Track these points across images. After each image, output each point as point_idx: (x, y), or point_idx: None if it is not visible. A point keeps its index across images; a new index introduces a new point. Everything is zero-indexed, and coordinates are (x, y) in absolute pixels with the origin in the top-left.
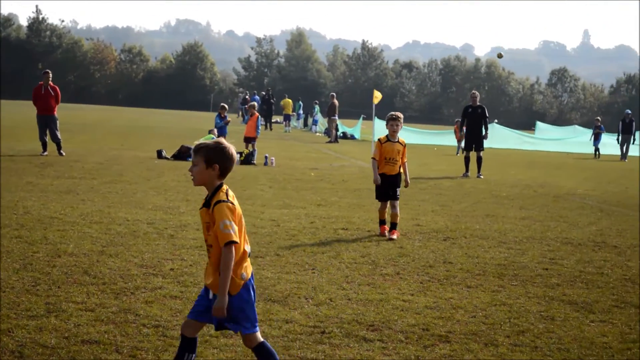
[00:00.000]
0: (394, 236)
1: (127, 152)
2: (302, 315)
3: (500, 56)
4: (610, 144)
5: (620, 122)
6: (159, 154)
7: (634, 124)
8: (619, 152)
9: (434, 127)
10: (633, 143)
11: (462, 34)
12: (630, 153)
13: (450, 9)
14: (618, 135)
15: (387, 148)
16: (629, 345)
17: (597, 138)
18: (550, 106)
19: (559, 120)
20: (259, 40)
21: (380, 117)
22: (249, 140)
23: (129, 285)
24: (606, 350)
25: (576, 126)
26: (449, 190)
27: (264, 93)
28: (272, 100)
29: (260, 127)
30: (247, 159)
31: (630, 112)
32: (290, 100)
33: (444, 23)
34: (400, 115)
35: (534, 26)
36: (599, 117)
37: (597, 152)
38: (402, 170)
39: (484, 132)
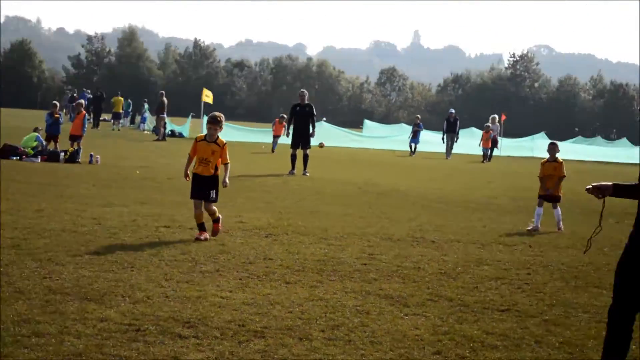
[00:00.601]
0: (218, 229)
1: None
2: (117, 314)
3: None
4: (433, 141)
5: (445, 121)
6: None
7: (458, 122)
8: (442, 150)
9: (264, 125)
10: (456, 141)
11: (294, 33)
12: (454, 151)
13: (283, 8)
14: (443, 134)
15: (201, 147)
16: (439, 337)
17: (415, 136)
18: (378, 105)
19: (387, 118)
20: (89, 38)
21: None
22: (74, 138)
23: None
24: (417, 342)
25: (403, 124)
26: (275, 188)
27: (91, 91)
28: (103, 98)
29: (87, 125)
30: (72, 157)
31: (454, 111)
32: (121, 99)
33: (276, 22)
34: (220, 117)
35: (366, 26)
36: (418, 115)
37: (413, 150)
38: (219, 171)
39: (311, 130)
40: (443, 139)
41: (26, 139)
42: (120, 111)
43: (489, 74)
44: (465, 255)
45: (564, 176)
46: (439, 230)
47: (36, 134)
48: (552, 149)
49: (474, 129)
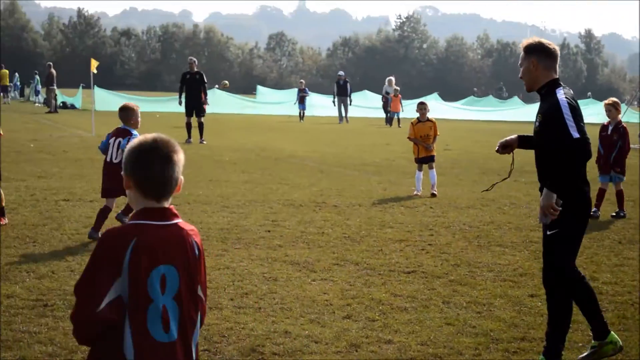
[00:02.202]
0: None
1: None
2: (23, 289)
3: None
4: (325, 105)
5: (335, 84)
6: None
7: (348, 85)
8: (335, 114)
9: (155, 94)
10: (350, 104)
11: (179, 1)
12: (349, 114)
13: None
14: (334, 98)
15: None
16: (348, 301)
17: (302, 101)
18: (270, 70)
19: (280, 84)
20: None
21: (100, 86)
22: None
23: None
24: (327, 307)
25: (296, 89)
26: None
27: None
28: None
29: None
30: None
31: (343, 73)
32: (7, 71)
33: None
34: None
35: None
36: (302, 80)
37: (302, 115)
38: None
39: (203, 98)
40: (334, 102)
41: None
42: (7, 84)
43: (377, 36)
44: (367, 219)
45: (438, 134)
46: (340, 194)
47: None
48: (424, 108)
49: (367, 91)
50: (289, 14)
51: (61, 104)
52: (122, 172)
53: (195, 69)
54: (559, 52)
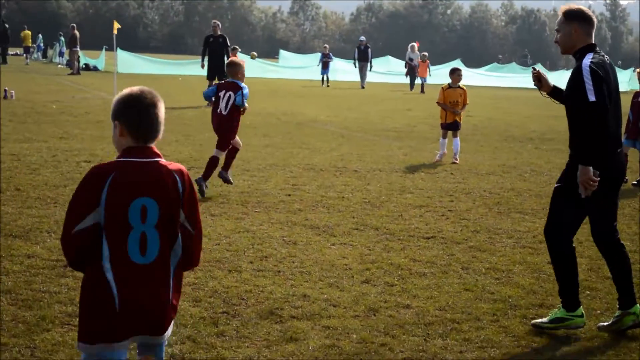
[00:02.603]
0: None
1: None
2: (44, 250)
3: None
4: (347, 70)
5: (356, 50)
6: None
7: (369, 50)
8: (356, 79)
9: (178, 57)
10: (370, 70)
11: None
12: (368, 79)
13: None
14: (355, 62)
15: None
16: (367, 265)
17: (325, 66)
18: (293, 34)
19: (303, 48)
20: None
21: (123, 48)
22: None
23: None
24: (346, 272)
25: (318, 54)
26: (193, 121)
27: None
28: (7, 32)
29: None
30: None
31: (364, 39)
32: (29, 32)
33: None
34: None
35: None
36: (326, 45)
37: (326, 81)
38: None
39: (226, 61)
40: (355, 65)
41: None
42: (30, 45)
43: (401, 1)
44: (388, 184)
45: (467, 103)
46: (361, 159)
47: None
48: (458, 75)
49: (390, 57)
50: None
51: (84, 66)
52: (112, 118)
53: (219, 32)
54: (596, 20)
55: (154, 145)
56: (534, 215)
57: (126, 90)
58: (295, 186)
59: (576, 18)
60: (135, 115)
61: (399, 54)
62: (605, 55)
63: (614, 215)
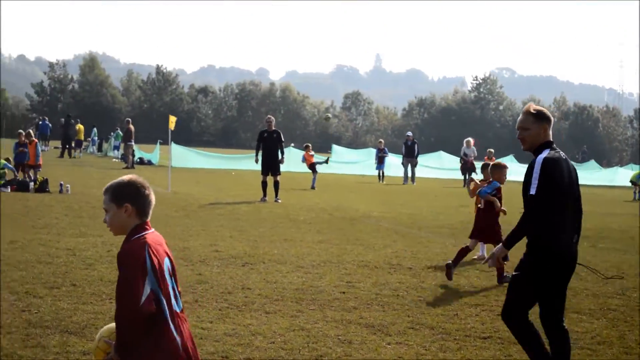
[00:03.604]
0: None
1: None
2: None
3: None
4: (400, 166)
5: (403, 145)
6: None
7: (416, 146)
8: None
9: (231, 152)
10: (415, 166)
11: (256, 58)
12: (419, 175)
13: (245, 33)
14: (403, 159)
15: None
16: None
17: (381, 162)
18: (345, 129)
19: (355, 143)
20: (51, 65)
21: (177, 142)
22: (32, 167)
23: None
24: None
25: (371, 149)
26: (247, 215)
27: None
28: (72, 125)
29: (40, 153)
30: (42, 187)
31: (411, 134)
32: (82, 126)
33: (238, 47)
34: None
35: (328, 50)
36: (381, 140)
37: (382, 176)
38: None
39: (280, 157)
40: (403, 163)
41: None
42: (82, 139)
43: (454, 97)
44: (443, 282)
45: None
46: (415, 256)
47: (3, 161)
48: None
49: (442, 152)
50: (365, 74)
51: (138, 160)
52: (119, 202)
53: (273, 127)
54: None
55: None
56: (591, 316)
57: (126, 178)
58: (350, 283)
59: (546, 119)
60: (145, 197)
61: (451, 149)
62: (561, 152)
63: (562, 302)
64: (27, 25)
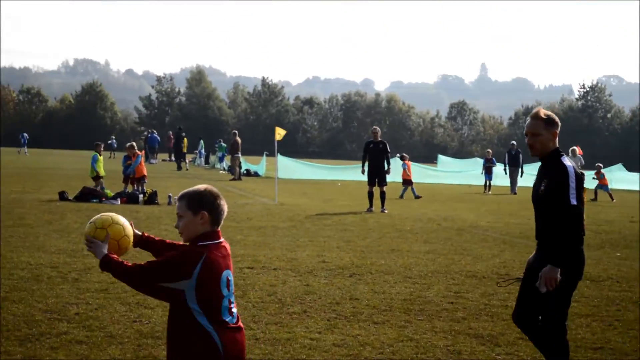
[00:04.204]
0: None
1: (29, 195)
2: None
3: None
4: (505, 174)
5: (507, 154)
6: (61, 196)
7: (520, 155)
8: (509, 184)
9: (337, 163)
10: (521, 176)
11: (361, 69)
12: (523, 184)
13: (349, 44)
14: (505, 167)
15: None
16: None
17: (489, 172)
18: (451, 139)
19: (461, 152)
20: (159, 79)
21: (282, 154)
22: (139, 180)
23: (33, 331)
24: None
25: (477, 158)
26: (354, 226)
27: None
28: (183, 139)
29: (143, 165)
30: (151, 199)
31: (515, 143)
32: (186, 139)
33: (343, 58)
34: None
35: (432, 60)
36: (489, 150)
37: (488, 186)
38: None
39: (386, 167)
40: (505, 170)
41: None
42: (185, 152)
43: (560, 105)
44: None
45: None
46: (524, 267)
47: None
48: None
49: None
50: (470, 83)
51: (245, 172)
52: (196, 210)
53: (379, 138)
54: None
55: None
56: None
57: (202, 187)
58: (458, 294)
59: (556, 124)
60: (219, 207)
61: None
62: None
63: (569, 304)
64: (135, 41)
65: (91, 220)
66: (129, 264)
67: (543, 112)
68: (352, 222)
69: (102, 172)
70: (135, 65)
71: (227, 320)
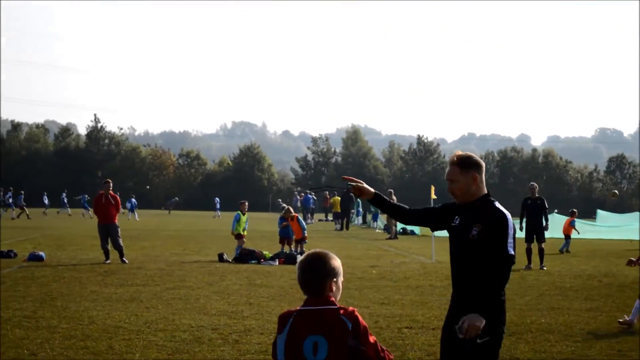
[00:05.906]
0: None
1: (189, 256)
2: None
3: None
4: None
5: None
6: (220, 258)
7: None
8: None
9: None
10: None
11: (517, 125)
12: None
13: (505, 100)
14: None
15: None
16: None
17: None
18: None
19: (620, 207)
20: (314, 140)
21: None
22: (298, 241)
23: None
24: None
25: (637, 213)
26: (512, 283)
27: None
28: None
29: (305, 227)
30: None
31: None
32: (338, 198)
33: (498, 114)
34: None
35: (590, 114)
36: None
37: None
38: None
39: (544, 224)
40: None
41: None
42: (338, 211)
43: None
44: None
45: None
46: None
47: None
48: None
49: None
50: (629, 136)
51: (401, 230)
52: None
53: (536, 195)
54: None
55: (327, 295)
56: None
57: (312, 252)
58: (621, 352)
59: (473, 166)
60: (298, 276)
61: None
62: None
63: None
64: (291, 102)
65: None
66: None
67: (457, 156)
68: (511, 279)
69: (241, 231)
70: (291, 126)
71: None
